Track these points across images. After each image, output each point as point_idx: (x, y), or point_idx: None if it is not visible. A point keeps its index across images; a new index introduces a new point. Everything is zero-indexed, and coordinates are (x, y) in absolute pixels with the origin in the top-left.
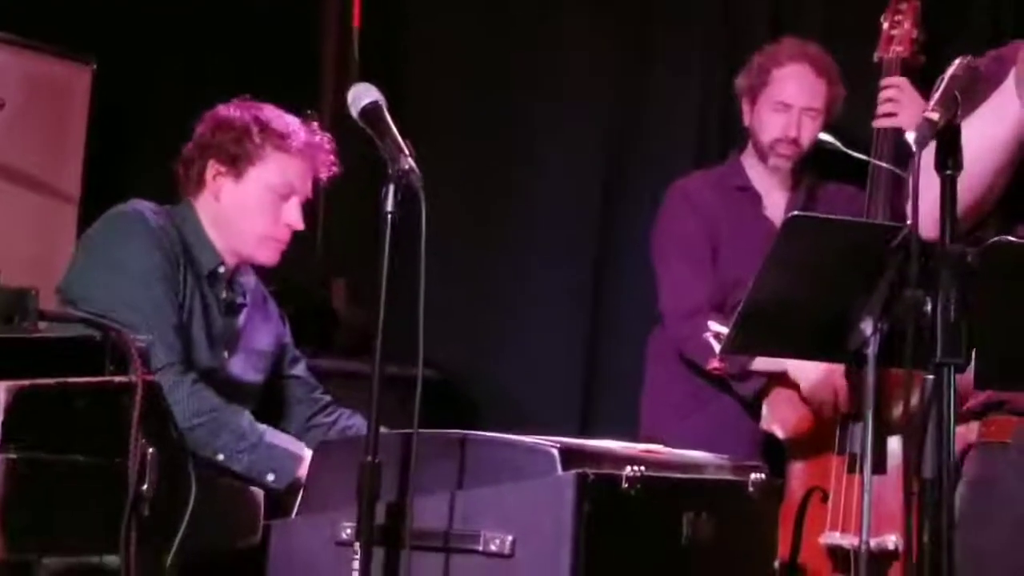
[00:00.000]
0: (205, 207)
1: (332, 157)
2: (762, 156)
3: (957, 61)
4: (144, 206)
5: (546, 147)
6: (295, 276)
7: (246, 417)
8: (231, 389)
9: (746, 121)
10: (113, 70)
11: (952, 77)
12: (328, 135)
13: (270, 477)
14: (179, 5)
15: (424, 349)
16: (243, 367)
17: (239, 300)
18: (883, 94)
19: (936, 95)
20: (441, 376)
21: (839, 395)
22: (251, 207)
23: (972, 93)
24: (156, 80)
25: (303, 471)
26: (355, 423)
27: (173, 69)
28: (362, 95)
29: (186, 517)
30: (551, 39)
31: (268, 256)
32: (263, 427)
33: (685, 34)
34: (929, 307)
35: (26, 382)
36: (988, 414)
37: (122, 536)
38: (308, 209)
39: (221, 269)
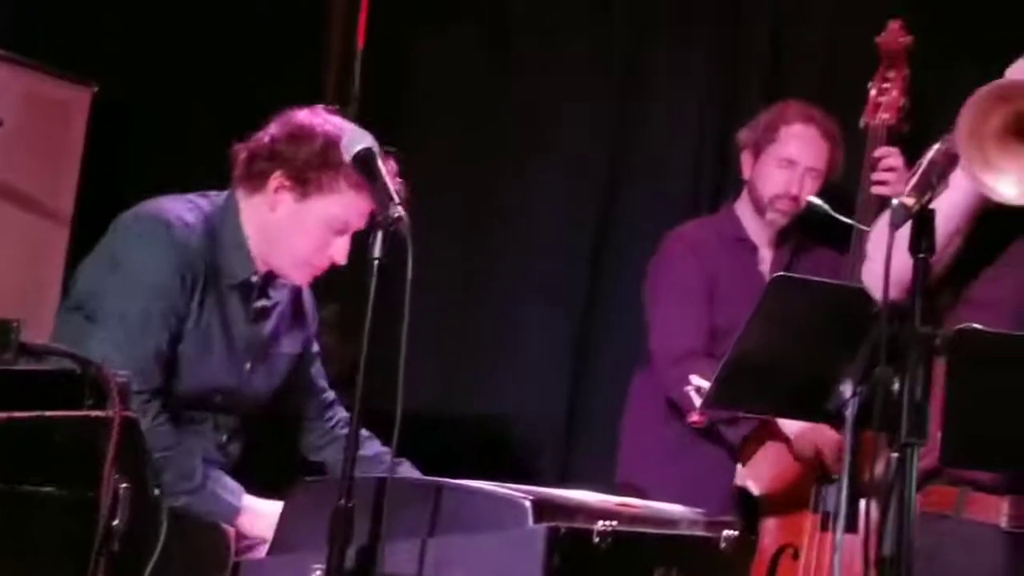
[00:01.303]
0: (255, 212)
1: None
2: (760, 210)
3: (936, 146)
4: (176, 213)
5: (538, 191)
6: None
7: (196, 461)
8: (244, 399)
9: (746, 174)
10: (114, 93)
11: (930, 162)
12: (404, 181)
13: None
14: (181, 29)
15: (411, 386)
16: (265, 376)
17: (270, 304)
18: (883, 163)
19: (913, 179)
20: (423, 414)
21: (823, 451)
22: (304, 232)
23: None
24: (156, 104)
25: (243, 522)
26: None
27: (174, 93)
28: (356, 141)
29: (156, 553)
30: (548, 87)
31: (301, 279)
32: (212, 473)
33: (680, 86)
34: (896, 386)
35: (3, 415)
36: (928, 483)
37: (90, 570)
38: None
39: (254, 279)
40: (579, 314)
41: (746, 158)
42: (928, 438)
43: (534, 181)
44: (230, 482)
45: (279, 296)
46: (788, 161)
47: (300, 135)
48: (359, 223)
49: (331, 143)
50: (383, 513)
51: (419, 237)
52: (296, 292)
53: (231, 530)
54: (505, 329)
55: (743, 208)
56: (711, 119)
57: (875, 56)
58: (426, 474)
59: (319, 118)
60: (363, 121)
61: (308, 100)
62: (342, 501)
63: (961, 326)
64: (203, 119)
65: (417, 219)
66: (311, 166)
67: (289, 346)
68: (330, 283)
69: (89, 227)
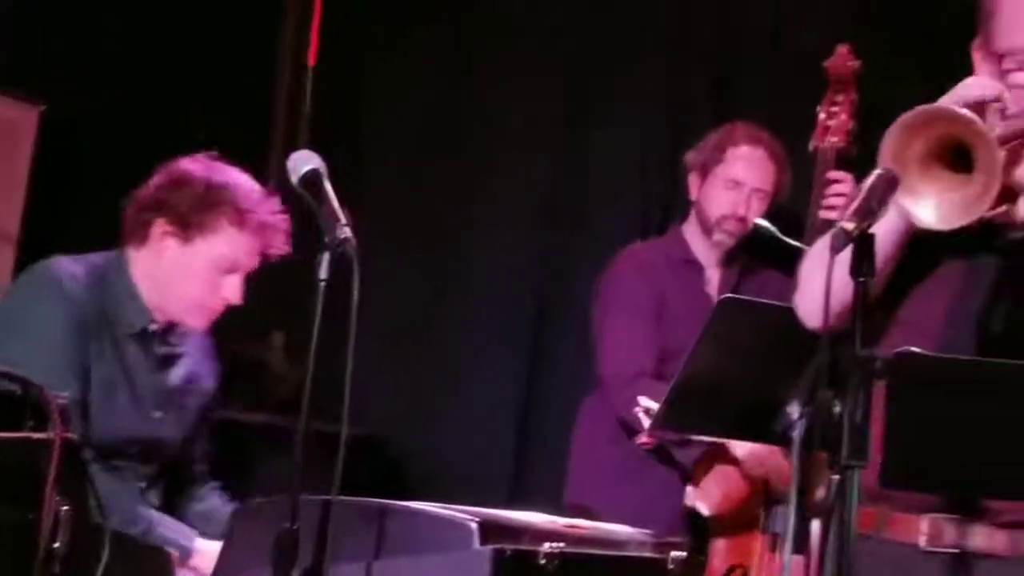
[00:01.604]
0: (143, 261)
1: (285, 237)
2: (707, 231)
3: (876, 171)
4: (65, 268)
5: (487, 216)
6: (230, 328)
7: (138, 504)
8: (158, 448)
9: (693, 195)
10: (62, 111)
11: (870, 188)
12: (286, 215)
13: None
14: (130, 47)
15: (359, 409)
16: (174, 425)
17: (177, 351)
18: (834, 187)
19: (853, 204)
20: (375, 434)
21: (770, 473)
22: (191, 275)
23: (888, 202)
24: (104, 122)
25: (196, 563)
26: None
27: (122, 112)
28: (302, 162)
29: (98, 575)
30: (499, 112)
31: (197, 322)
32: (155, 515)
33: (628, 111)
34: (837, 408)
35: None
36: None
37: None
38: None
39: (152, 327)
40: (529, 338)
41: (693, 179)
42: (868, 460)
43: (486, 204)
44: (176, 523)
45: (185, 346)
46: (735, 182)
47: (181, 181)
48: (249, 261)
49: (212, 186)
50: (328, 535)
51: (371, 260)
52: (203, 343)
53: (174, 554)
54: (456, 352)
55: (690, 230)
56: (661, 144)
57: (824, 79)
58: (375, 497)
59: (200, 164)
60: (314, 138)
61: (260, 117)
62: (287, 523)
63: (900, 349)
64: (152, 138)
65: (368, 242)
66: (193, 209)
67: (199, 395)
68: (279, 305)
69: (35, 247)
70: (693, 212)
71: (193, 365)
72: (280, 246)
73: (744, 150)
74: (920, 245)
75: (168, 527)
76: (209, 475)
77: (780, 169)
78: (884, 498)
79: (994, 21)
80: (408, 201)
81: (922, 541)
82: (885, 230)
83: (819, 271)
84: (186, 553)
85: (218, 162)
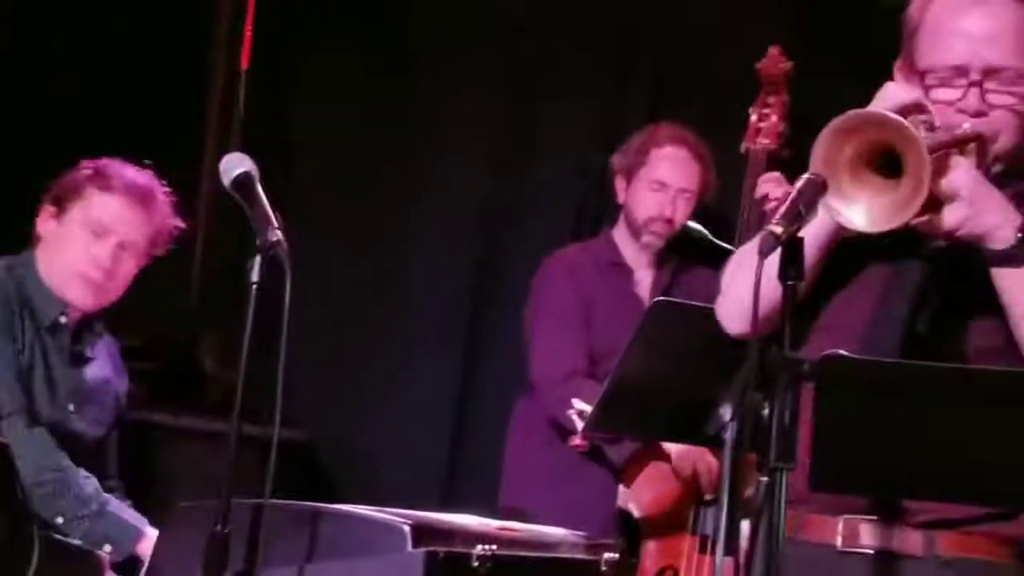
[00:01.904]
0: (40, 253)
1: (166, 207)
2: (635, 233)
3: (805, 176)
4: None
5: (423, 218)
6: (164, 331)
7: (93, 483)
8: (72, 442)
9: (620, 198)
10: None
11: (798, 192)
12: (168, 188)
13: (107, 548)
14: (63, 49)
15: (293, 412)
16: (90, 421)
17: (87, 353)
18: (761, 190)
19: (782, 208)
20: (309, 438)
21: (700, 473)
22: (64, 243)
23: (816, 206)
24: (34, 127)
25: (143, 546)
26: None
27: (55, 111)
28: (235, 165)
29: None
30: (433, 111)
31: (77, 295)
32: (108, 496)
33: (564, 112)
34: (766, 411)
35: None
36: None
37: None
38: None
39: (63, 319)
40: (463, 341)
41: (620, 183)
42: (796, 462)
43: (420, 206)
44: (129, 508)
45: (96, 351)
46: (659, 184)
47: (60, 176)
48: (125, 230)
49: (82, 168)
50: (260, 539)
51: (304, 263)
52: (113, 351)
53: (104, 557)
54: (389, 355)
55: (620, 233)
56: (597, 145)
57: (756, 82)
58: (309, 500)
59: (83, 162)
60: (247, 141)
61: (193, 119)
62: (218, 527)
63: (827, 352)
64: (85, 140)
65: (302, 244)
66: (64, 186)
67: (112, 397)
68: (211, 307)
69: None
70: (622, 215)
71: (103, 370)
72: (164, 216)
73: (668, 151)
74: (845, 251)
75: (123, 510)
76: (124, 493)
77: (705, 169)
78: (802, 500)
79: (916, 40)
80: (342, 202)
81: (838, 542)
82: (813, 233)
83: (741, 276)
84: (137, 534)
85: (102, 159)
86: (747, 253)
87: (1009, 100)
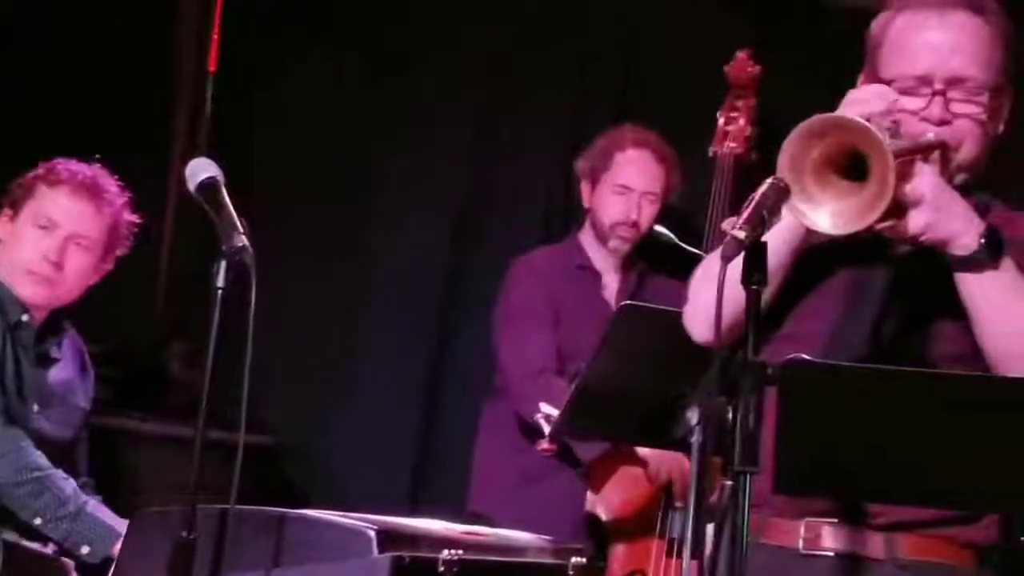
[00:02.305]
0: (1, 256)
1: (117, 201)
2: (602, 238)
3: (768, 180)
4: None
5: (390, 220)
6: (130, 336)
7: (71, 484)
8: (38, 443)
9: (586, 202)
10: None
11: (762, 195)
12: (119, 184)
13: (85, 549)
14: (31, 51)
15: (261, 416)
16: (55, 422)
17: (52, 354)
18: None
19: (745, 212)
20: (275, 443)
21: (673, 479)
22: (17, 242)
23: (779, 211)
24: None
25: (120, 545)
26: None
27: (21, 118)
28: (200, 170)
29: None
30: (402, 113)
31: (29, 291)
32: (86, 497)
33: (531, 115)
34: (730, 415)
35: None
36: None
37: None
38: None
39: (25, 318)
40: (430, 345)
41: (585, 187)
42: (760, 467)
43: (387, 211)
44: (106, 509)
45: (60, 353)
46: (624, 187)
47: (23, 176)
48: (71, 223)
49: (37, 168)
50: (226, 544)
51: (270, 267)
52: (79, 353)
53: (69, 562)
54: (355, 360)
55: (586, 237)
56: (564, 150)
57: (724, 85)
58: (275, 505)
59: (41, 165)
60: (214, 145)
61: (160, 122)
62: (184, 532)
63: (790, 356)
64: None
65: (268, 248)
66: (19, 186)
67: (79, 400)
68: (178, 314)
69: None
70: (588, 219)
71: (68, 371)
72: (116, 210)
73: (631, 154)
74: (810, 259)
75: (100, 511)
76: (94, 489)
77: (669, 171)
78: (764, 503)
79: (880, 54)
80: (309, 206)
81: (800, 544)
82: (780, 239)
83: (707, 285)
84: (116, 537)
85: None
86: (713, 261)
87: (972, 109)
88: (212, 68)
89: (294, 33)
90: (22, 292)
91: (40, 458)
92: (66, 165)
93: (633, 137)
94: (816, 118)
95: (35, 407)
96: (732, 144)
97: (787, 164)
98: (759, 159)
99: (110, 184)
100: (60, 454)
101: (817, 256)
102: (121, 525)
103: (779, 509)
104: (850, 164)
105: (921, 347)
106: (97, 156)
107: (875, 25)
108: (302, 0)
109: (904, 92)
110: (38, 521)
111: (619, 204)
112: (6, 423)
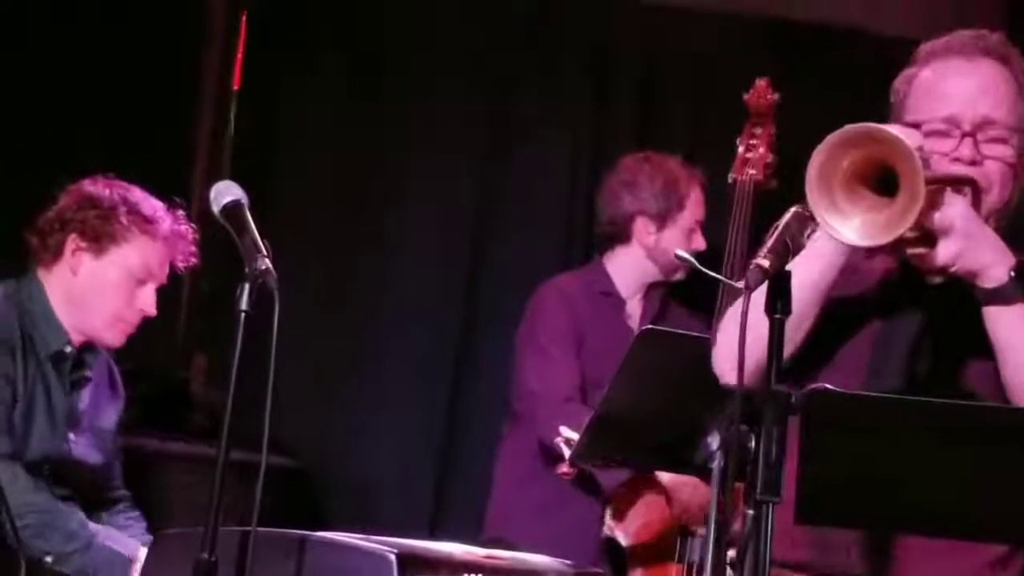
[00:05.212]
0: (57, 281)
1: (193, 248)
2: (668, 273)
3: (792, 209)
4: None
5: (413, 243)
6: (153, 356)
7: (76, 518)
8: (72, 470)
9: (644, 241)
10: None
11: (785, 225)
12: (192, 226)
13: None
14: (54, 68)
15: (281, 438)
16: (87, 447)
17: (86, 375)
18: None
19: (768, 242)
20: (297, 465)
21: (691, 508)
22: (107, 287)
23: (803, 238)
24: (25, 147)
25: (135, 574)
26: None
27: (45, 133)
28: (224, 193)
29: None
30: (421, 130)
31: (114, 338)
32: (95, 527)
33: (551, 138)
34: (753, 443)
35: None
36: None
37: None
38: (165, 291)
39: (68, 349)
40: (451, 370)
41: (643, 225)
42: (782, 496)
43: (410, 231)
44: (120, 535)
45: (91, 375)
46: (698, 223)
47: (88, 199)
48: (160, 272)
49: (119, 201)
50: (247, 567)
51: (293, 289)
52: (108, 372)
53: None
54: (377, 383)
55: (614, 263)
56: (583, 171)
57: (744, 111)
58: (294, 527)
59: (104, 185)
60: (238, 164)
61: (184, 141)
62: (204, 554)
63: (814, 386)
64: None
65: (291, 269)
66: (104, 223)
67: (108, 421)
68: (200, 333)
69: None
70: (621, 249)
71: (97, 390)
72: (188, 256)
73: (697, 194)
74: (839, 304)
75: (113, 539)
76: (132, 502)
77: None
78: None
79: (906, 103)
80: (332, 227)
81: None
82: (819, 272)
83: (734, 327)
84: (128, 563)
85: (118, 180)
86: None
87: (1002, 151)
88: (236, 86)
89: (316, 49)
90: (104, 336)
91: (43, 498)
92: (155, 210)
93: (695, 177)
94: (849, 127)
95: (71, 435)
96: (752, 171)
97: (816, 174)
98: (778, 186)
99: (191, 232)
100: (98, 478)
101: (847, 299)
102: (133, 550)
103: (785, 563)
104: (879, 178)
105: (955, 386)
106: (176, 199)
107: (900, 79)
108: (325, 18)
109: (931, 134)
110: (50, 560)
111: (695, 241)
112: (14, 463)
